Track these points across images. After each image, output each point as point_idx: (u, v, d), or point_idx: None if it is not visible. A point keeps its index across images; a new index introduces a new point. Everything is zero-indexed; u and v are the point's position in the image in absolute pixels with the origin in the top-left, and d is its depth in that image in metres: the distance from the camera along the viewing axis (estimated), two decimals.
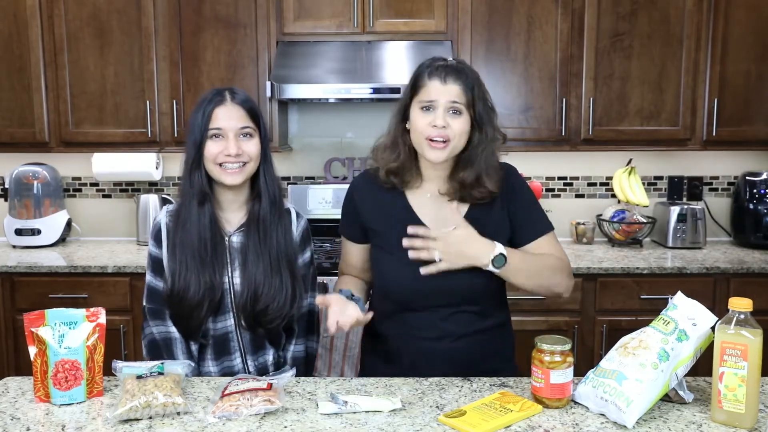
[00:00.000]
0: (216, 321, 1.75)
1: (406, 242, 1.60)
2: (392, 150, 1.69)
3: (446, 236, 1.58)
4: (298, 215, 1.83)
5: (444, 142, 1.61)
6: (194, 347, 1.78)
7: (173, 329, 1.76)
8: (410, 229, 1.59)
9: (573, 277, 1.74)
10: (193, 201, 1.70)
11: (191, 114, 1.73)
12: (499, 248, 1.59)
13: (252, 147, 1.70)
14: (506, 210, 1.70)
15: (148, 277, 1.79)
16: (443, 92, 1.61)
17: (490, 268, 1.59)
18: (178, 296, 1.68)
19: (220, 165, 1.68)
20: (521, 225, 1.71)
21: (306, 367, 1.87)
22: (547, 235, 1.73)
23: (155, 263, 1.77)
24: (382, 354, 1.78)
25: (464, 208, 1.70)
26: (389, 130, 1.72)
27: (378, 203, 1.74)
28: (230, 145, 1.66)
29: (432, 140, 1.61)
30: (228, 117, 1.68)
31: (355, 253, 1.82)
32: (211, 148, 1.68)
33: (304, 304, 1.82)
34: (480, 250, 1.58)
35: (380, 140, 1.74)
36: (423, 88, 1.63)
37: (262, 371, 1.80)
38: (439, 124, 1.60)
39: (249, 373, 1.79)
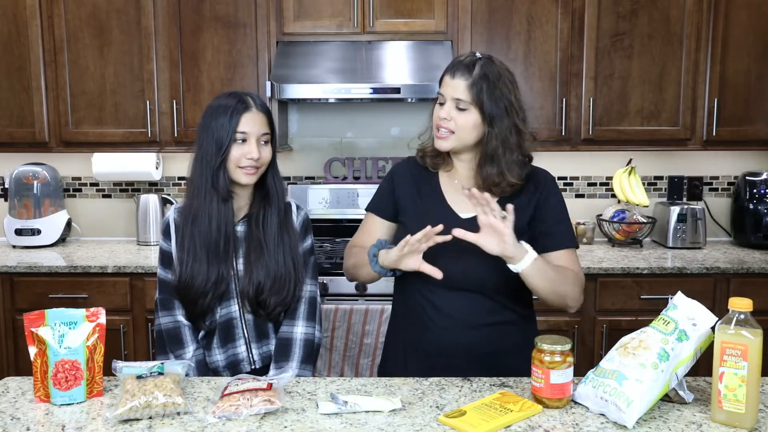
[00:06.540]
0: (221, 307, 1.84)
1: (471, 192, 1.57)
2: (429, 136, 1.80)
3: (504, 225, 1.57)
4: (298, 208, 1.95)
5: (447, 132, 1.70)
6: (201, 334, 1.88)
7: (181, 317, 1.86)
8: (473, 192, 1.57)
9: (583, 294, 1.75)
10: (215, 198, 1.80)
11: (209, 118, 1.81)
12: (533, 254, 1.60)
13: (267, 153, 1.83)
14: (533, 211, 1.72)
15: (159, 271, 1.91)
16: (450, 87, 1.70)
17: (515, 266, 1.59)
18: (185, 284, 1.81)
19: (240, 166, 1.80)
20: (548, 233, 1.73)
21: (312, 355, 1.89)
22: (569, 249, 1.75)
23: (165, 257, 1.89)
24: (400, 348, 1.82)
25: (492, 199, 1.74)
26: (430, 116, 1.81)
27: (413, 181, 1.83)
28: (253, 150, 1.78)
29: (438, 130, 1.71)
30: (253, 123, 1.79)
31: (378, 228, 1.85)
32: (235, 151, 1.78)
33: (305, 290, 1.90)
34: (517, 251, 1.58)
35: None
36: (441, 81, 1.73)
37: (266, 360, 1.89)
38: (441, 115, 1.70)
39: (253, 361, 1.89)
